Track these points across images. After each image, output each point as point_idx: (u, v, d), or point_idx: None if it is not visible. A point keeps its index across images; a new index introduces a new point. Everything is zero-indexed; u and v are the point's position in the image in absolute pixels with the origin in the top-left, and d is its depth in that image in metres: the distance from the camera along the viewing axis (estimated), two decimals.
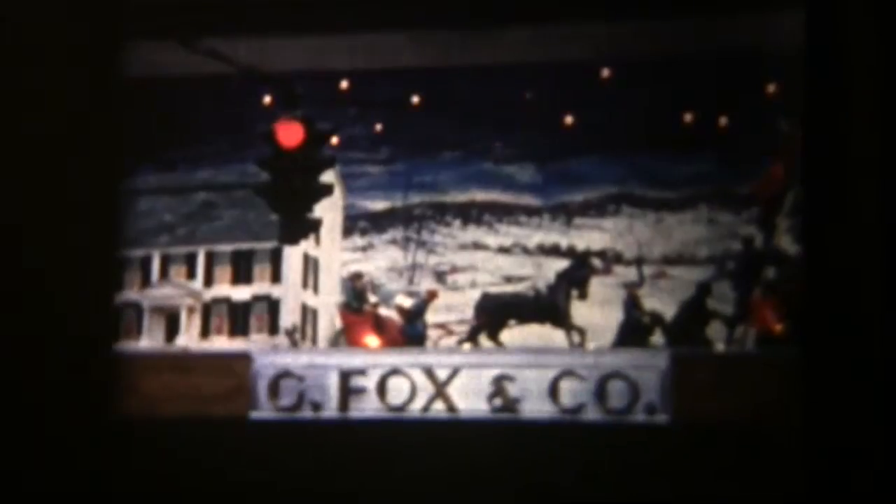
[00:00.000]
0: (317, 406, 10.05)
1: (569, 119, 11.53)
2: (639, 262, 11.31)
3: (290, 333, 11.52)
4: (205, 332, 11.70)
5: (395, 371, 10.05)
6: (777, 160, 10.59)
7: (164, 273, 11.72)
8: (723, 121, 11.02)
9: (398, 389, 10.00)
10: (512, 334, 10.97)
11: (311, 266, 11.93)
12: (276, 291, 11.76)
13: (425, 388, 9.96)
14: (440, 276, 11.86)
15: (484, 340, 11.00)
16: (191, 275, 11.87)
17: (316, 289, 11.92)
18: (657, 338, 10.58)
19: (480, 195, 11.92)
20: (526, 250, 11.76)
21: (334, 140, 10.86)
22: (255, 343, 11.35)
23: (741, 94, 10.83)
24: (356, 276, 11.60)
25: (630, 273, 11.21)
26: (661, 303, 10.80)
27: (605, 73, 11.37)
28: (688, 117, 11.15)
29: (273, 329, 11.58)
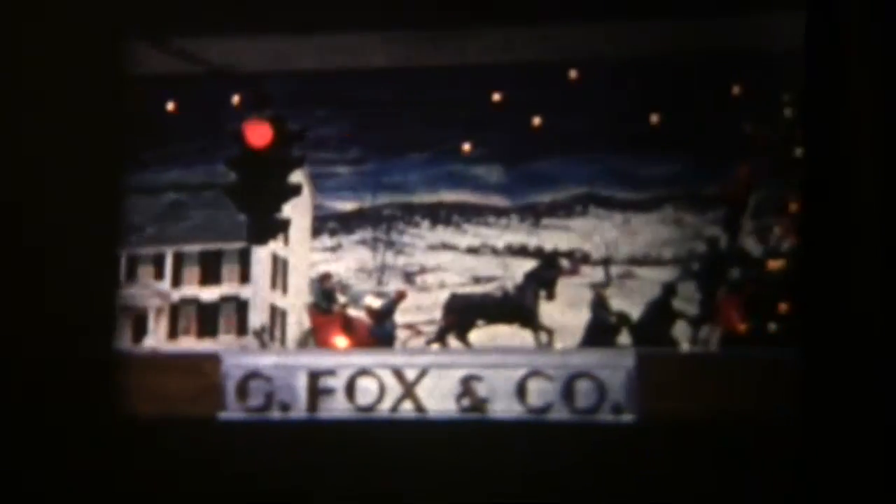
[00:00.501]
0: (285, 407, 10.06)
1: (537, 120, 11.60)
2: (606, 262, 11.40)
3: (258, 334, 11.52)
4: (173, 333, 11.68)
5: (363, 371, 10.08)
6: (742, 162, 10.71)
7: (132, 273, 11.69)
8: (689, 122, 11.14)
9: (367, 390, 10.02)
10: (480, 334, 11.03)
11: (279, 266, 11.93)
12: (244, 292, 11.75)
13: (394, 389, 9.99)
14: (409, 277, 11.89)
15: (452, 341, 11.05)
16: (159, 275, 11.84)
17: (285, 289, 11.92)
18: (624, 338, 10.67)
19: (449, 196, 11.96)
20: (494, 251, 11.82)
21: (303, 140, 10.85)
22: (223, 344, 11.35)
23: (707, 95, 10.95)
24: (325, 277, 11.61)
25: (597, 273, 11.30)
26: (628, 303, 10.88)
27: (573, 74, 11.45)
28: (654, 118, 11.26)
29: (242, 330, 11.57)
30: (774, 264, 9.65)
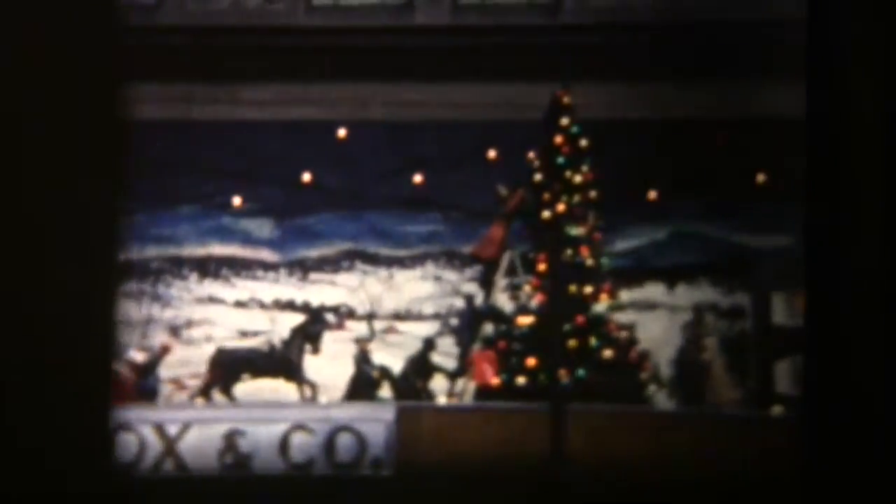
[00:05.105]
0: None
1: (307, 176, 11.79)
2: (370, 317, 11.65)
3: None
4: None
5: (123, 427, 9.86)
6: (496, 223, 11.20)
7: None
8: (451, 183, 11.60)
9: (126, 447, 9.78)
10: (245, 388, 11.01)
11: None
12: None
13: (155, 445, 9.81)
14: (175, 330, 11.76)
15: (217, 395, 10.98)
16: None
17: None
18: (385, 391, 10.90)
19: (218, 249, 11.94)
20: (262, 305, 11.87)
21: None
22: None
23: (466, 158, 11.43)
24: None
25: (362, 328, 11.53)
26: (390, 357, 11.14)
27: (342, 132, 11.72)
28: (418, 178, 11.66)
29: None
30: (524, 320, 10.10)
